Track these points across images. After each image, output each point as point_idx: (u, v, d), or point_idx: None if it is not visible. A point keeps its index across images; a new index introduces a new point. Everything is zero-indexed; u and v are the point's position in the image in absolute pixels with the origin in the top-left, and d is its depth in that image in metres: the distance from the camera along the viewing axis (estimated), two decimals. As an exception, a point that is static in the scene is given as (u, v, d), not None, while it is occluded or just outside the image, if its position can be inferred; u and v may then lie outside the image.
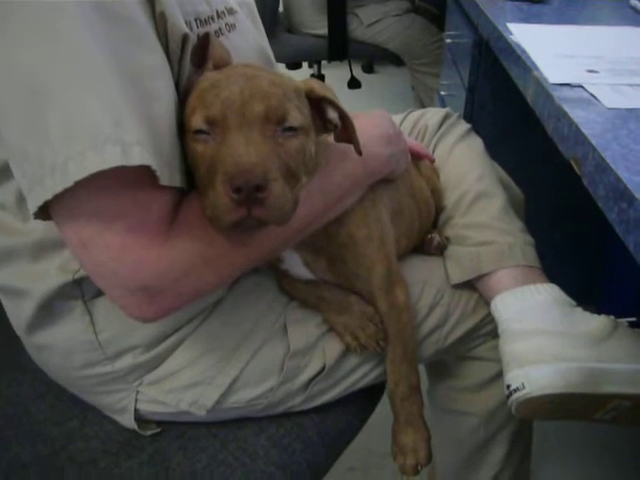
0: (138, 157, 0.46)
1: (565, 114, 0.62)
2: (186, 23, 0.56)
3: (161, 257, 0.50)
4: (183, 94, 0.55)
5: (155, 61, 0.50)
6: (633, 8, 1.11)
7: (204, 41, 0.57)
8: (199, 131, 0.51)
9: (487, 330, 0.79)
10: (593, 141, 0.54)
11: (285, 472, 0.71)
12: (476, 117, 1.33)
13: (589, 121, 0.58)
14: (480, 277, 0.77)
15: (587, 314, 0.71)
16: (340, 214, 0.65)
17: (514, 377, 0.66)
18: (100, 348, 0.66)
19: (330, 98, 0.56)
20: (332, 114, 0.57)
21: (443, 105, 1.62)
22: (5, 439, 0.72)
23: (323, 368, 0.71)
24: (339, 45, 1.97)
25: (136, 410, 0.69)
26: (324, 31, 2.06)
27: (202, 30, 0.57)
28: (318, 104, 0.57)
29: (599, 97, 0.65)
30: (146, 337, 0.66)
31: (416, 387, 0.73)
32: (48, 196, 0.46)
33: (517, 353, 0.68)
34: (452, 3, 1.58)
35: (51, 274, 0.63)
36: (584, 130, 0.56)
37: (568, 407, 0.66)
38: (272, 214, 0.49)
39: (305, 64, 2.38)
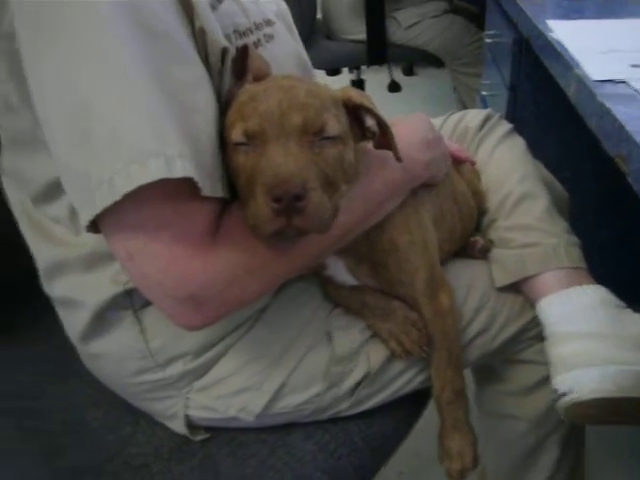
0: (181, 169, 0.47)
1: (608, 111, 0.60)
2: (225, 36, 0.58)
3: (206, 267, 0.52)
4: (224, 106, 0.57)
5: (194, 75, 0.52)
6: (681, -2, 1.08)
7: (243, 53, 0.58)
8: (239, 143, 0.52)
9: (534, 333, 0.77)
10: (637, 138, 0.53)
11: (332, 477, 0.72)
12: (518, 116, 1.32)
13: (633, 118, 0.57)
14: (525, 280, 0.76)
15: (636, 315, 0.69)
16: (381, 220, 0.66)
17: (562, 381, 0.65)
18: (150, 356, 0.68)
19: (368, 106, 0.57)
20: (370, 122, 0.58)
21: (485, 105, 1.61)
22: (61, 446, 0.75)
23: (368, 373, 0.71)
24: (378, 49, 1.97)
25: (186, 416, 0.71)
26: (363, 36, 2.07)
27: (241, 42, 0.59)
28: (356, 112, 0.58)
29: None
30: (194, 345, 0.67)
31: (461, 392, 0.72)
32: (97, 210, 0.48)
33: (564, 356, 0.67)
34: (491, 2, 1.56)
35: (103, 285, 0.65)
36: (628, 127, 0.55)
37: (619, 412, 0.65)
38: (311, 223, 0.50)
39: (345, 70, 2.39)
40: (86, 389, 0.82)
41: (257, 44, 0.61)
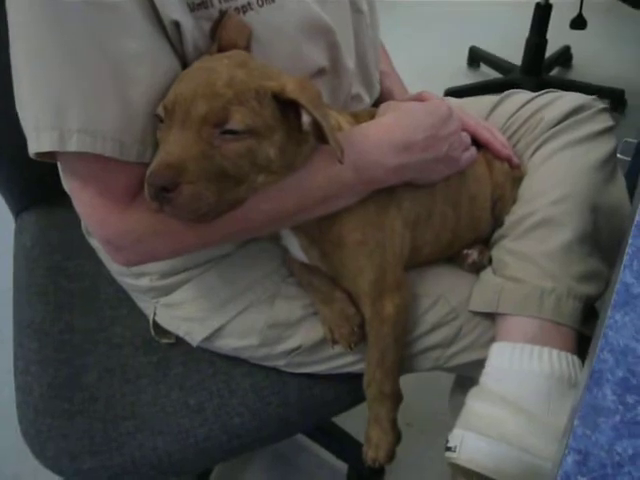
0: (75, 144, 0.52)
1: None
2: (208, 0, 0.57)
3: (119, 222, 0.58)
4: None
5: (139, 47, 0.54)
6: None
7: (221, 19, 0.57)
8: (160, 119, 0.54)
9: None
10: None
11: (254, 417, 0.79)
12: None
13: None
14: (497, 313, 0.69)
15: None
16: (336, 212, 0.64)
17: (454, 435, 0.62)
18: None
19: (301, 102, 0.54)
20: (305, 118, 0.55)
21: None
22: (70, 305, 0.91)
23: (300, 346, 0.74)
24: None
25: (154, 321, 0.82)
26: None
27: (226, 5, 0.58)
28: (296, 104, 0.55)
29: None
30: (159, 268, 0.75)
31: (389, 394, 0.71)
32: (31, 152, 0.55)
33: (472, 412, 0.62)
34: None
35: None
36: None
37: None
38: (181, 213, 0.52)
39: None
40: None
41: (246, 7, 0.59)
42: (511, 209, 0.76)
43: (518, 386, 0.62)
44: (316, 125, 0.55)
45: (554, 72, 2.27)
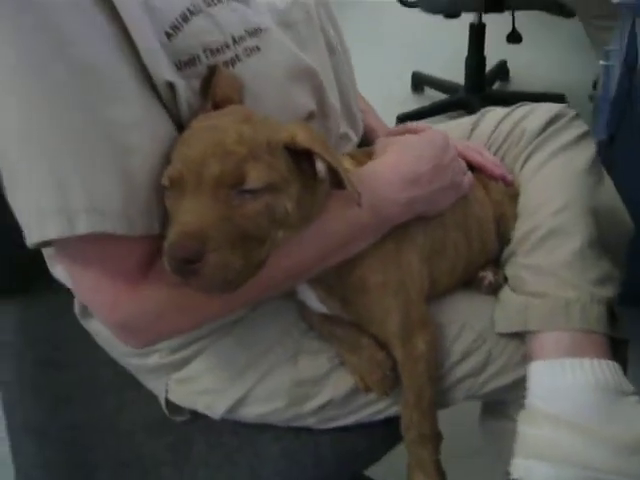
0: (84, 225, 0.48)
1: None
2: (194, 57, 0.55)
3: (134, 302, 0.54)
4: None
5: (131, 114, 0.51)
6: None
7: (210, 74, 0.56)
8: (166, 187, 0.51)
9: None
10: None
11: (289, 485, 0.74)
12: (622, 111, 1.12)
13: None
14: (526, 331, 0.68)
15: (637, 409, 0.60)
16: (354, 256, 0.62)
17: (517, 465, 0.60)
18: None
19: (315, 150, 0.52)
20: (320, 165, 0.53)
21: (607, 76, 1.38)
22: (63, 400, 0.84)
23: (331, 400, 0.71)
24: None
25: (167, 399, 0.76)
26: None
27: (213, 60, 0.56)
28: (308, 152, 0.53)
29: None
30: (168, 343, 0.71)
31: (429, 436, 0.68)
32: (30, 243, 0.51)
33: (529, 439, 0.60)
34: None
35: None
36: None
37: None
38: (209, 284, 0.48)
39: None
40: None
41: (234, 60, 0.58)
42: (515, 225, 0.75)
43: (567, 403, 0.61)
44: (331, 171, 0.53)
45: (495, 86, 2.35)
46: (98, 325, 0.74)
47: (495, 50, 2.17)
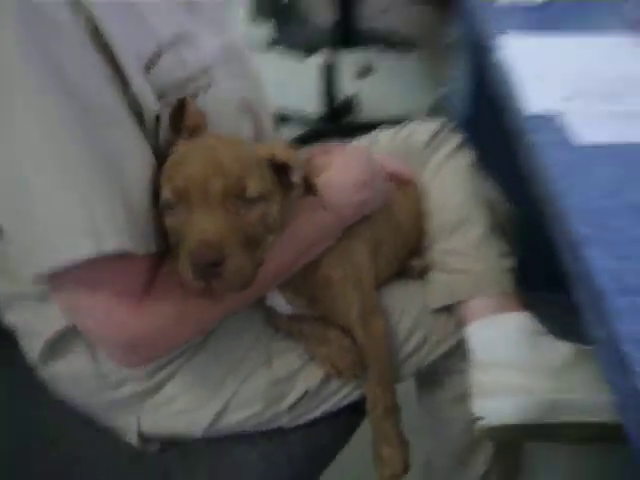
0: (112, 244, 0.53)
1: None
2: (164, 92, 0.61)
3: (140, 320, 0.57)
4: (161, 159, 0.61)
5: (126, 140, 0.56)
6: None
7: (180, 107, 0.62)
8: (166, 206, 0.57)
9: None
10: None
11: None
12: (475, 123, 1.33)
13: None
14: (455, 303, 0.81)
15: (554, 343, 0.75)
16: (315, 258, 0.71)
17: (478, 406, 0.72)
18: (102, 378, 0.73)
19: (291, 163, 0.61)
20: (295, 177, 0.62)
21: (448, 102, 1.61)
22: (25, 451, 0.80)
23: (307, 392, 0.77)
24: (346, 32, 1.96)
25: (139, 431, 0.77)
26: (332, 18, 2.05)
27: (179, 95, 0.62)
28: (283, 165, 0.62)
29: (571, 131, 0.68)
30: (145, 368, 0.72)
31: (391, 408, 0.78)
32: (35, 272, 0.53)
33: (483, 383, 0.73)
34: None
35: (57, 316, 0.70)
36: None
37: (534, 435, 0.72)
38: (230, 284, 0.55)
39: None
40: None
41: (195, 95, 0.64)
42: (430, 219, 0.89)
43: (502, 348, 0.75)
44: (303, 180, 0.62)
45: (350, 117, 2.60)
46: (62, 366, 0.73)
47: (348, 84, 2.42)
